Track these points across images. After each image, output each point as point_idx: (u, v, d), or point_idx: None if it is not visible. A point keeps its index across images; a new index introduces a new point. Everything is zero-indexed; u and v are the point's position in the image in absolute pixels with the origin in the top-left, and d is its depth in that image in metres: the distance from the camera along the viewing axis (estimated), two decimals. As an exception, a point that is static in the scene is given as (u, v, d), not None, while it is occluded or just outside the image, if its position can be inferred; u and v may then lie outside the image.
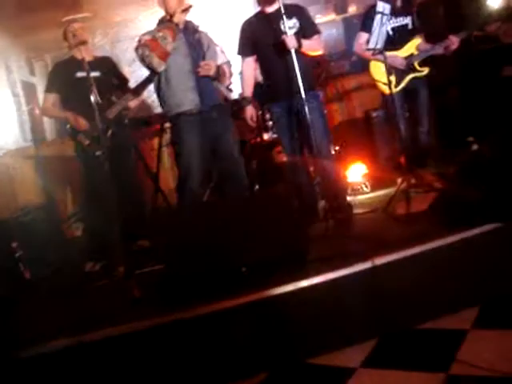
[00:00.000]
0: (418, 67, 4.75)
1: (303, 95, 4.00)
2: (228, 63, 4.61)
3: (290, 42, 4.03)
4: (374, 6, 4.41)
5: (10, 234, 4.46)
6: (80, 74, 4.35)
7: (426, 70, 4.75)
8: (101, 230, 4.43)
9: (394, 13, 4.57)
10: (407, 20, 4.79)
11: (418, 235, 3.44)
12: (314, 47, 4.34)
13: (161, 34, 3.99)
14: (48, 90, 4.57)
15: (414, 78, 4.78)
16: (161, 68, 4.04)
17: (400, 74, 4.73)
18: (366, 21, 4.68)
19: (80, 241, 5.25)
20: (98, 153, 4.17)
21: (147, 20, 6.60)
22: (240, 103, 4.70)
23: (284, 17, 4.01)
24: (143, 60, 4.02)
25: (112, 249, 4.24)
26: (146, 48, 3.98)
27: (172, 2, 4.09)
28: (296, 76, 3.99)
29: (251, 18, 4.45)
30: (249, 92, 4.48)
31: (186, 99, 4.14)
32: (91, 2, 6.69)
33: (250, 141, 5.45)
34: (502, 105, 5.26)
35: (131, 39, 6.46)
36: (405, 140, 4.61)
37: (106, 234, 4.35)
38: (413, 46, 4.77)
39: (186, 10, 4.10)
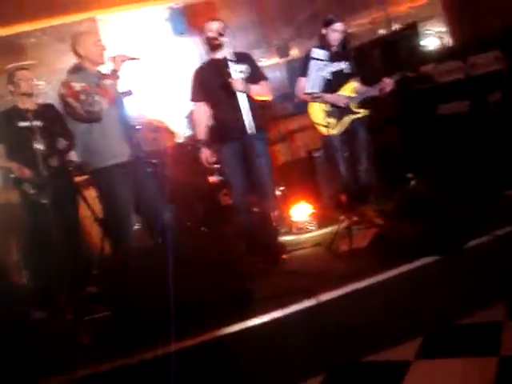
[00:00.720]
0: (355, 109, 4.90)
1: (251, 137, 4.14)
2: None
3: (237, 84, 4.19)
4: (309, 53, 4.60)
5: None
6: (22, 124, 4.35)
7: (363, 112, 4.91)
8: (47, 277, 4.39)
9: (331, 58, 4.73)
10: (344, 65, 4.97)
11: (360, 271, 3.54)
12: (261, 92, 4.53)
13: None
14: None
15: (352, 120, 4.93)
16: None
17: (338, 115, 4.88)
18: (304, 66, 4.81)
19: (26, 289, 5.16)
20: (43, 201, 4.16)
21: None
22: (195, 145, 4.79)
23: (232, 62, 4.19)
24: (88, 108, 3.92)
25: (59, 296, 4.20)
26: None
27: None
28: (244, 117, 4.12)
29: (202, 64, 4.65)
30: (203, 135, 4.60)
31: (123, 150, 4.13)
32: (36, 49, 6.74)
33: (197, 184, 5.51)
34: (437, 142, 5.47)
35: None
36: (345, 179, 4.74)
37: (52, 282, 4.32)
38: (349, 89, 4.94)
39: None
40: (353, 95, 4.91)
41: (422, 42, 6.76)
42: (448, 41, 7.66)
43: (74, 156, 4.56)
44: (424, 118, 5.80)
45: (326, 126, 4.45)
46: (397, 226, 4.01)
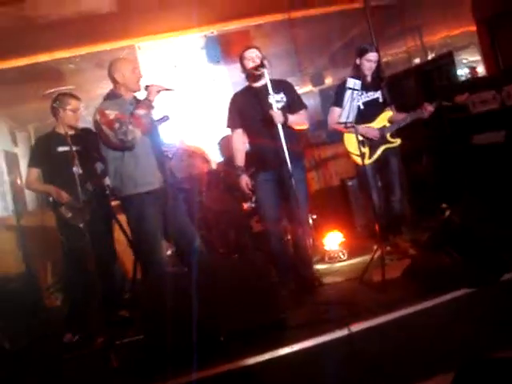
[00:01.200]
0: (390, 138, 4.90)
1: (289, 166, 4.12)
2: None
3: (277, 117, 4.20)
4: (344, 83, 4.59)
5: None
6: (61, 149, 4.42)
7: (398, 141, 4.90)
8: (81, 300, 4.44)
9: (365, 88, 4.76)
10: (377, 94, 4.97)
11: (393, 302, 3.52)
12: (299, 122, 4.53)
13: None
14: (31, 164, 4.60)
15: (386, 149, 4.92)
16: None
17: (373, 145, 4.88)
18: (337, 96, 4.83)
19: (59, 311, 5.23)
20: (79, 224, 4.22)
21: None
22: (230, 171, 4.81)
23: (271, 91, 4.19)
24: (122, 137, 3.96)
25: (91, 319, 4.25)
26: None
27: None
28: (283, 147, 4.13)
29: (240, 91, 4.65)
30: (241, 161, 4.61)
31: (155, 178, 4.16)
32: (75, 74, 6.90)
33: (230, 211, 5.54)
34: (472, 172, 5.43)
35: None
36: (378, 208, 4.72)
37: (85, 305, 4.37)
38: (385, 119, 4.94)
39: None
40: (388, 124, 4.90)
41: (457, 72, 6.72)
42: (483, 70, 7.64)
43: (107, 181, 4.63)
44: (459, 148, 5.75)
45: (359, 156, 4.43)
46: (430, 257, 3.98)
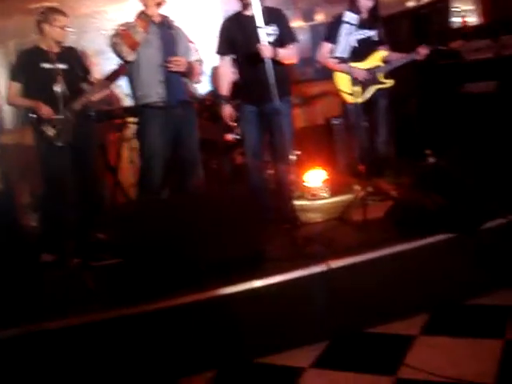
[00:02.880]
0: (382, 79, 4.83)
1: (276, 101, 4.04)
2: (200, 61, 4.67)
3: (265, 51, 4.05)
4: (338, 17, 4.52)
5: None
6: (46, 65, 4.29)
7: (390, 82, 4.84)
8: (58, 220, 4.39)
9: (360, 25, 4.64)
10: (372, 33, 4.87)
11: (373, 241, 3.54)
12: (289, 56, 4.38)
13: (132, 24, 4.07)
14: (13, 78, 4.47)
15: (377, 90, 4.86)
16: (129, 57, 4.09)
17: (365, 85, 4.80)
18: (330, 31, 4.73)
19: (35, 231, 5.18)
20: (60, 143, 4.13)
21: (115, 13, 6.56)
22: (215, 100, 4.72)
23: (260, 23, 4.01)
24: (115, 49, 4.09)
25: (68, 240, 4.21)
26: (118, 37, 4.06)
27: None
28: (270, 80, 4.01)
29: (231, 17, 4.46)
30: (226, 90, 4.51)
31: (153, 91, 4.17)
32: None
33: (212, 140, 5.46)
34: (460, 121, 5.40)
35: (97, 31, 6.43)
36: (363, 149, 4.69)
37: (62, 225, 4.32)
38: (377, 58, 4.86)
39: (159, 4, 4.12)
40: (382, 64, 4.82)
41: (452, 18, 6.60)
42: (480, 19, 7.53)
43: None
44: (449, 95, 5.71)
45: (350, 94, 4.37)
46: (413, 200, 3.97)
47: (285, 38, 4.36)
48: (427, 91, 6.03)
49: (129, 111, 5.22)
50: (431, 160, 5.25)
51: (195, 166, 4.41)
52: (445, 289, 3.45)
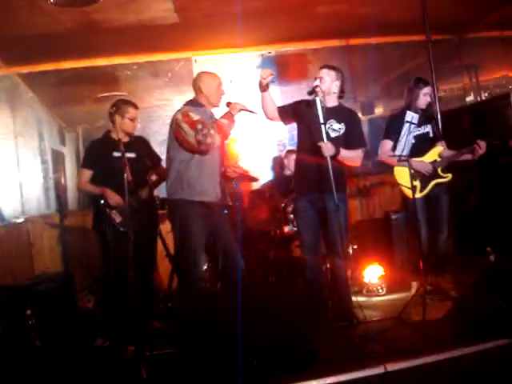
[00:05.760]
0: (441, 173, 4.82)
1: (335, 197, 3.95)
2: None
3: (326, 149, 4.03)
4: (398, 115, 4.65)
5: (25, 300, 4.47)
6: (117, 154, 4.40)
7: (449, 177, 4.82)
8: (114, 306, 4.44)
9: (419, 121, 4.68)
10: (428, 128, 4.89)
11: (432, 344, 3.44)
12: (352, 159, 4.37)
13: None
14: (84, 165, 4.65)
15: (436, 184, 4.84)
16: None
17: (424, 179, 4.80)
18: (389, 128, 4.81)
19: (91, 314, 5.24)
20: (125, 229, 4.24)
21: (180, 104, 6.86)
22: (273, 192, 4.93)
23: (322, 119, 3.99)
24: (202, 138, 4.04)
25: (124, 326, 4.23)
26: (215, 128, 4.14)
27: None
28: (328, 176, 3.95)
29: (307, 100, 4.35)
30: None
31: (212, 191, 4.24)
32: (129, 82, 6.97)
33: (270, 232, 5.49)
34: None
35: (163, 121, 6.70)
36: (424, 245, 4.62)
37: (120, 311, 4.35)
38: (436, 153, 4.86)
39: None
40: (439, 159, 4.83)
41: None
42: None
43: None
44: (508, 192, 5.64)
45: (410, 188, 4.36)
46: (473, 301, 3.88)
47: (352, 140, 4.35)
48: (489, 188, 5.96)
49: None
50: (492, 258, 5.15)
51: (235, 255, 4.35)
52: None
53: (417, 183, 4.74)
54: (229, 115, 4.28)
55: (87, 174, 4.60)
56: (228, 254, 4.27)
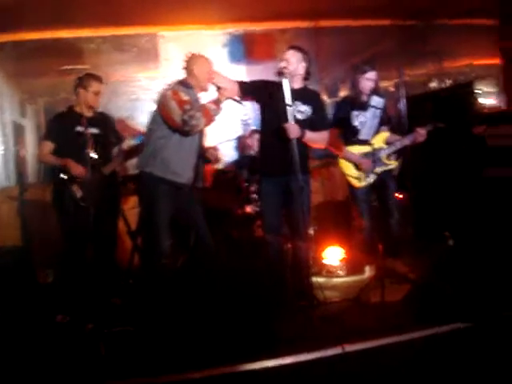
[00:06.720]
0: (386, 161, 4.87)
1: (299, 177, 3.96)
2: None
3: (291, 130, 4.02)
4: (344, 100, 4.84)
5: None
6: (80, 129, 4.37)
7: (393, 163, 4.90)
8: (74, 281, 4.40)
9: (362, 107, 4.75)
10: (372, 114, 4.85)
11: (389, 326, 3.51)
12: (317, 141, 4.36)
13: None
14: (47, 137, 4.55)
15: (381, 172, 4.88)
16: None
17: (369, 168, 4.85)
18: (338, 115, 4.88)
19: (51, 288, 5.18)
20: (85, 205, 4.20)
21: (146, 81, 6.77)
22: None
23: (289, 101, 3.97)
24: (190, 121, 4.03)
25: (83, 302, 4.21)
26: (200, 111, 4.09)
27: None
28: (293, 157, 3.96)
29: (272, 82, 4.31)
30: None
31: (186, 174, 4.23)
32: (93, 55, 6.85)
33: (233, 212, 5.50)
34: (482, 204, 5.41)
35: (127, 96, 6.64)
36: (379, 229, 4.69)
37: (78, 287, 4.32)
38: (380, 140, 4.89)
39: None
40: (385, 146, 4.87)
41: (475, 102, 6.66)
42: (496, 103, 7.64)
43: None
44: (469, 179, 5.73)
45: (356, 178, 4.43)
46: (431, 285, 3.96)
47: (317, 121, 4.34)
48: (449, 174, 6.05)
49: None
50: (450, 243, 5.25)
51: (204, 234, 4.40)
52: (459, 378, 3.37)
53: (361, 173, 4.81)
54: (216, 101, 4.24)
55: (49, 146, 4.51)
56: (198, 233, 4.30)
